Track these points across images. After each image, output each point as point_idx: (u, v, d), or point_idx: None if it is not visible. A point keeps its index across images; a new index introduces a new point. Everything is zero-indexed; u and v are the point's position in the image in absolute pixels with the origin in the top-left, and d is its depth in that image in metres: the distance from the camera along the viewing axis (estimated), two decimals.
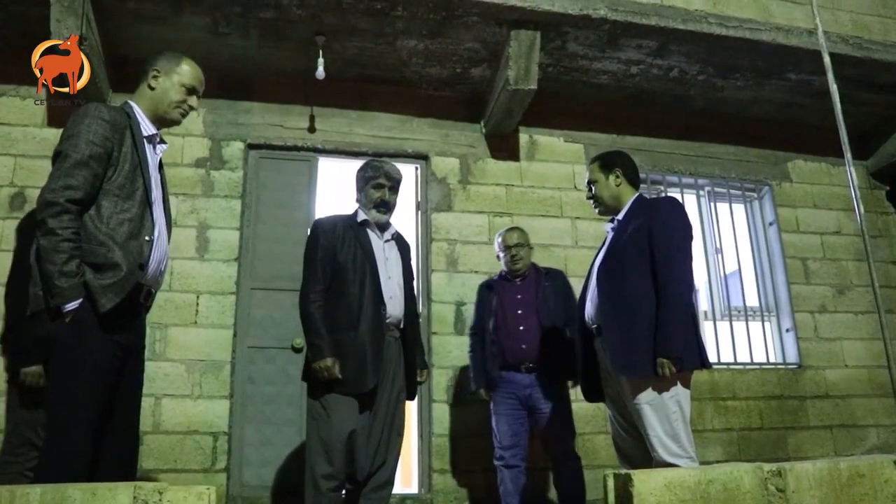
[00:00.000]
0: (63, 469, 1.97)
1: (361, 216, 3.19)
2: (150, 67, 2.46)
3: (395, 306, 3.10)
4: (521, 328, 3.69)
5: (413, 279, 3.35)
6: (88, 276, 2.11)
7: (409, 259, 3.37)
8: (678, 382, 2.56)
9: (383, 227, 3.24)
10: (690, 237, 2.71)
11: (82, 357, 2.10)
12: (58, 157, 2.19)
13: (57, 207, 2.09)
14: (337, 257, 3.03)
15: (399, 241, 3.33)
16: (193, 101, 2.52)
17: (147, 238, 2.26)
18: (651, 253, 2.62)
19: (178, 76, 2.46)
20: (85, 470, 2.04)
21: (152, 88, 2.44)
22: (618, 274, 2.69)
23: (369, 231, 3.17)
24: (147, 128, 2.41)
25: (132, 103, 2.42)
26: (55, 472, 1.94)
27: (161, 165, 2.50)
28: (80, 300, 2.08)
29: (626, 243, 2.70)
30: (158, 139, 2.46)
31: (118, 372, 2.22)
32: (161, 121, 2.47)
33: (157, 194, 2.37)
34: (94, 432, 2.10)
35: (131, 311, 2.26)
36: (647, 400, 2.54)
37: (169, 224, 2.48)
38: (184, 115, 2.52)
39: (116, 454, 2.25)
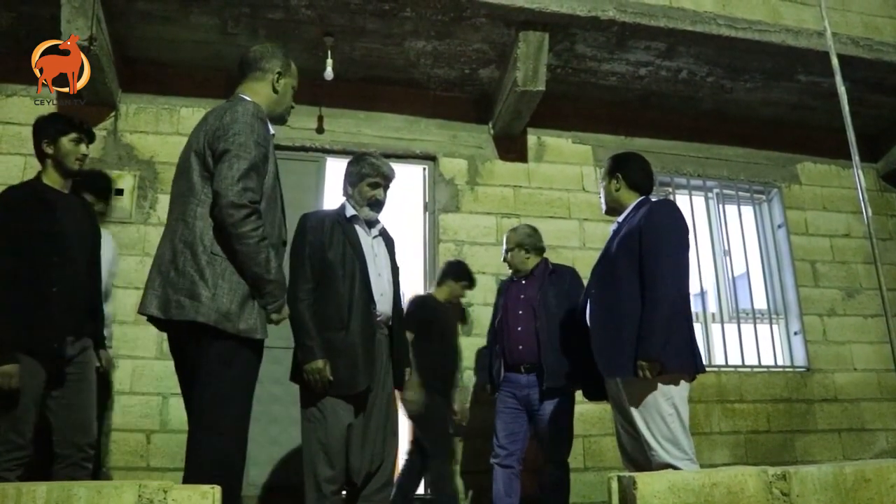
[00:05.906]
0: (233, 470, 2.14)
1: (350, 211, 3.06)
2: (267, 66, 2.37)
3: (385, 304, 2.99)
4: (519, 329, 3.65)
5: (399, 274, 3.23)
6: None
7: (395, 254, 3.24)
8: (672, 384, 2.54)
9: (371, 222, 3.12)
10: (682, 238, 2.65)
11: (254, 373, 2.27)
12: (225, 154, 2.11)
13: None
14: (326, 254, 2.91)
15: (385, 236, 3.21)
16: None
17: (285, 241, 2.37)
18: (641, 255, 2.61)
19: (291, 78, 2.46)
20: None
21: (276, 91, 2.39)
22: (608, 276, 2.71)
23: (357, 227, 3.05)
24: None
25: (252, 100, 2.30)
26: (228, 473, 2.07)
27: None
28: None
29: (617, 246, 2.72)
30: None
31: None
32: (273, 120, 2.39)
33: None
34: None
35: None
36: (641, 401, 2.54)
37: None
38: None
39: None
